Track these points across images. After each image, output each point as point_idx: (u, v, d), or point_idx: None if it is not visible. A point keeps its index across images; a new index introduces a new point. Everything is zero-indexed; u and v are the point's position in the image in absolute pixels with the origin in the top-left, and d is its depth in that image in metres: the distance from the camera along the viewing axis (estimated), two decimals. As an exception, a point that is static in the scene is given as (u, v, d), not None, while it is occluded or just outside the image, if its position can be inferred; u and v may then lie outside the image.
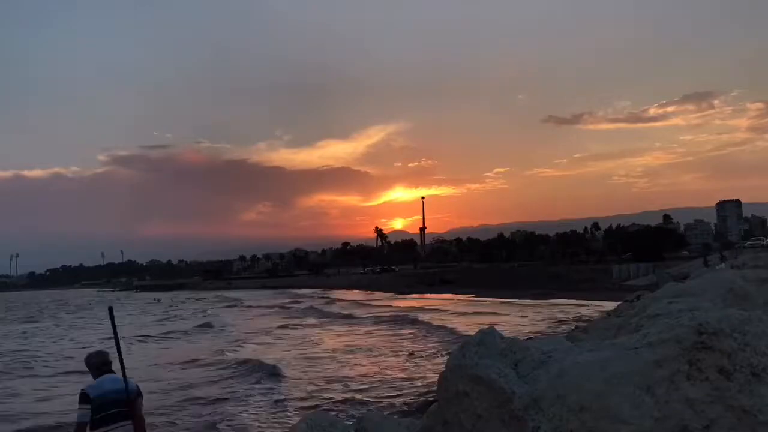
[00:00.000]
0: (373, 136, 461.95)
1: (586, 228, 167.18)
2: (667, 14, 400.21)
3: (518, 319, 32.39)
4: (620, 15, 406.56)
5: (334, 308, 49.07)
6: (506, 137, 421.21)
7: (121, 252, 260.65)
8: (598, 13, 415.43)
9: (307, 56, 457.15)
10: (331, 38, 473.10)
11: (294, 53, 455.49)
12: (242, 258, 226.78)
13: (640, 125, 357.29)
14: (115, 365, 4.93)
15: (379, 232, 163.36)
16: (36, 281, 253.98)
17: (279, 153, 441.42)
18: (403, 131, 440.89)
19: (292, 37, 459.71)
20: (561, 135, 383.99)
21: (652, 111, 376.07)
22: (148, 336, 32.45)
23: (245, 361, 20.42)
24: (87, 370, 5.09)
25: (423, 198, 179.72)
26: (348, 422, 6.43)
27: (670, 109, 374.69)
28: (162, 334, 33.87)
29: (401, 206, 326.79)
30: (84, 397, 4.69)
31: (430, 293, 65.55)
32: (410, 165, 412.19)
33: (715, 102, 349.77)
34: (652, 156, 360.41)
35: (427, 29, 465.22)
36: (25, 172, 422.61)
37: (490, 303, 46.20)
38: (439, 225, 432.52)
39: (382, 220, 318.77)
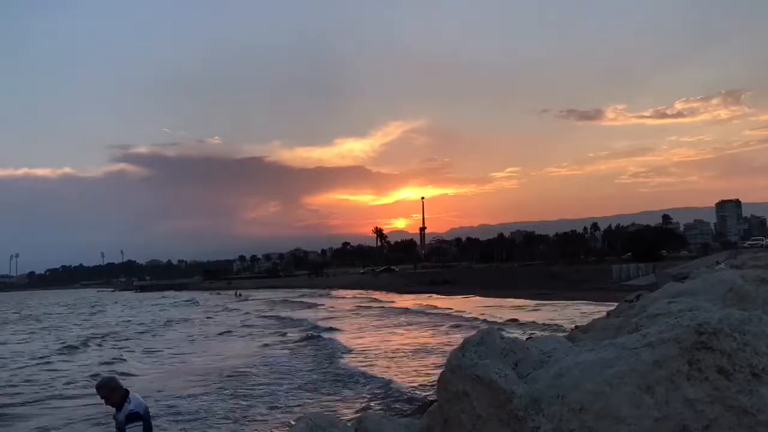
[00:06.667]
0: (390, 133, 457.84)
1: (585, 228, 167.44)
2: (696, 9, 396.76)
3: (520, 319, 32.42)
4: (647, 9, 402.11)
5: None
6: (519, 135, 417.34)
7: (121, 252, 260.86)
8: (624, 6, 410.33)
9: (323, 52, 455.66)
10: (347, 34, 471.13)
11: (309, 49, 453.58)
12: (242, 258, 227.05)
13: (666, 121, 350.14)
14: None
15: (378, 232, 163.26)
16: (36, 281, 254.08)
17: (294, 151, 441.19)
18: (420, 128, 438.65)
19: (309, 32, 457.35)
20: (577, 132, 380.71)
21: (678, 106, 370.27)
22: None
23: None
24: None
25: (423, 198, 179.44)
26: (348, 422, 6.42)
27: (695, 105, 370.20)
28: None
29: (410, 205, 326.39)
30: (137, 416, 5.22)
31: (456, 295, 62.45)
32: (424, 163, 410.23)
33: (742, 98, 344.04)
34: (669, 153, 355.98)
35: (445, 23, 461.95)
36: (36, 171, 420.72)
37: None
38: (439, 225, 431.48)
39: (391, 219, 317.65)
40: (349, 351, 22.71)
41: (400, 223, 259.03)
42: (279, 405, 14.31)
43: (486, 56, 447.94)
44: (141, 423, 5.22)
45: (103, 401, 5.48)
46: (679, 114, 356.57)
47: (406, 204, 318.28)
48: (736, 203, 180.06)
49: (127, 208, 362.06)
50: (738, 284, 5.72)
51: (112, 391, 5.41)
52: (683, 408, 3.25)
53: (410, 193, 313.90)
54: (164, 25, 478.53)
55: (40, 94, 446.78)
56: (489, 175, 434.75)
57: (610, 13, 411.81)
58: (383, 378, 16.70)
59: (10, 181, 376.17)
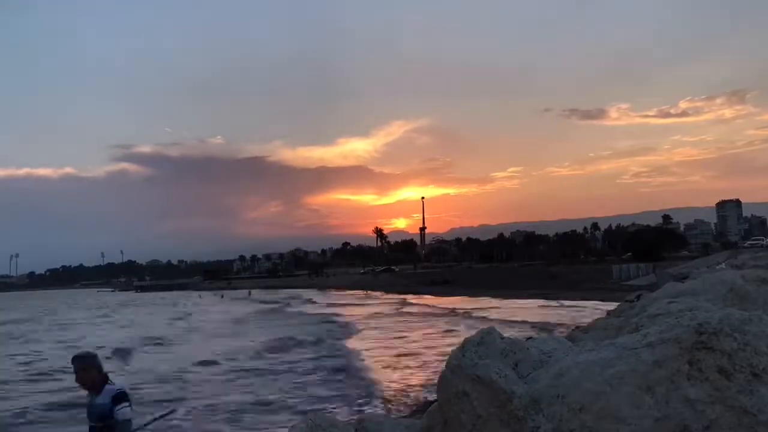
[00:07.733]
0: (393, 133, 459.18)
1: (586, 228, 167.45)
2: (701, 8, 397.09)
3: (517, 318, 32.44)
4: (651, 7, 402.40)
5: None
6: (521, 135, 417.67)
7: (121, 252, 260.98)
8: (628, 5, 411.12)
9: (325, 52, 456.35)
10: (348, 34, 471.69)
11: (311, 49, 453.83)
12: (242, 258, 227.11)
13: (670, 120, 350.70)
14: None
15: (378, 232, 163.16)
16: (36, 281, 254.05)
17: (296, 151, 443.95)
18: (422, 128, 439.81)
19: (310, 32, 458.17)
20: (579, 131, 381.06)
21: (682, 106, 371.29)
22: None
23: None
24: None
25: (423, 198, 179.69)
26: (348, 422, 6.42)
27: (699, 104, 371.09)
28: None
29: (411, 205, 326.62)
30: (124, 396, 4.81)
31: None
32: (425, 163, 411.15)
33: (747, 97, 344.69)
34: (671, 153, 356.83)
35: (446, 23, 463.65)
36: (37, 171, 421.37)
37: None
38: (439, 225, 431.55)
39: (392, 219, 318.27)
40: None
41: (400, 223, 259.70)
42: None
43: (488, 55, 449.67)
44: (130, 404, 4.77)
45: (75, 376, 4.91)
46: (684, 113, 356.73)
47: (407, 204, 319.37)
48: (737, 203, 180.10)
49: (127, 208, 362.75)
50: (738, 284, 5.71)
51: (89, 367, 4.87)
52: (683, 408, 3.24)
53: (411, 193, 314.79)
54: (166, 25, 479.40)
55: (41, 93, 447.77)
56: (490, 174, 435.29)
57: (613, 11, 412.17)
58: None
59: (12, 180, 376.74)
